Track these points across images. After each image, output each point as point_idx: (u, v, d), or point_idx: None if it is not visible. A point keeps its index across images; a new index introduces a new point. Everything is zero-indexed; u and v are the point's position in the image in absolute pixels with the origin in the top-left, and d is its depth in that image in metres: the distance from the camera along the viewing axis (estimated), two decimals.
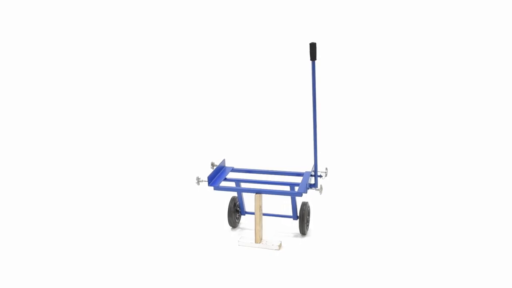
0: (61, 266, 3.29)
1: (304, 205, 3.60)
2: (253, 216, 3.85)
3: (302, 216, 3.57)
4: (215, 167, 3.64)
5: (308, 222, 3.69)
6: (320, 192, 3.41)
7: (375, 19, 6.21)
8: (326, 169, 3.66)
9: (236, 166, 3.85)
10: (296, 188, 3.46)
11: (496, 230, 3.59)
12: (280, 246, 3.47)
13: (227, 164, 3.85)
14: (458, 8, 6.05)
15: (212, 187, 3.48)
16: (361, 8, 6.22)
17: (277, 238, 3.61)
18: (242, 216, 3.92)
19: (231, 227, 3.79)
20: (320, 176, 3.56)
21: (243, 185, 3.65)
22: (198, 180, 3.53)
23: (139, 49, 6.49)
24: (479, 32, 6.03)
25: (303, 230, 3.59)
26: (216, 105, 6.20)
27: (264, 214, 3.77)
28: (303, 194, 3.38)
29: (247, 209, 3.91)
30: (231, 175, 3.73)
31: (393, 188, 4.39)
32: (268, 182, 3.61)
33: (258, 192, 3.43)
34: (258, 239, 3.48)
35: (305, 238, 3.61)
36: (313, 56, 3.15)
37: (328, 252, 3.41)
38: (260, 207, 3.44)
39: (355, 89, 6.16)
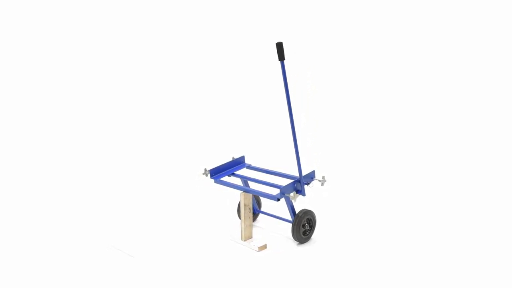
0: (71, 255, 3.40)
1: (302, 212, 3.43)
2: (266, 216, 3.86)
3: (295, 223, 3.42)
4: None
5: (308, 232, 3.50)
6: (294, 199, 3.24)
7: (375, 19, 5.82)
8: (323, 177, 3.41)
9: (255, 165, 3.89)
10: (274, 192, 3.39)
11: (496, 231, 3.55)
12: (262, 248, 3.44)
13: (248, 162, 3.93)
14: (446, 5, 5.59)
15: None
16: (362, 8, 5.86)
17: (272, 240, 3.56)
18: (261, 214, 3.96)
19: None
20: (306, 183, 3.35)
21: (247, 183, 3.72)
22: (206, 172, 3.75)
23: (157, 52, 6.42)
24: (470, 28, 5.57)
25: (296, 237, 3.44)
26: (252, 105, 6.11)
27: (270, 215, 3.76)
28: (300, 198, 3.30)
29: (261, 208, 3.94)
30: (242, 171, 3.81)
31: (395, 195, 4.23)
32: (267, 183, 3.59)
33: (244, 191, 3.48)
34: (244, 236, 3.52)
35: (295, 245, 3.47)
36: (281, 56, 3.03)
37: (313, 262, 3.25)
38: (246, 205, 3.47)
39: (363, 92, 5.89)
